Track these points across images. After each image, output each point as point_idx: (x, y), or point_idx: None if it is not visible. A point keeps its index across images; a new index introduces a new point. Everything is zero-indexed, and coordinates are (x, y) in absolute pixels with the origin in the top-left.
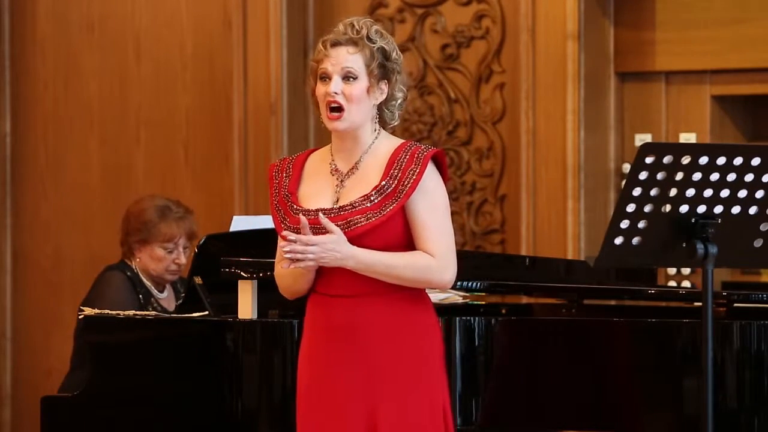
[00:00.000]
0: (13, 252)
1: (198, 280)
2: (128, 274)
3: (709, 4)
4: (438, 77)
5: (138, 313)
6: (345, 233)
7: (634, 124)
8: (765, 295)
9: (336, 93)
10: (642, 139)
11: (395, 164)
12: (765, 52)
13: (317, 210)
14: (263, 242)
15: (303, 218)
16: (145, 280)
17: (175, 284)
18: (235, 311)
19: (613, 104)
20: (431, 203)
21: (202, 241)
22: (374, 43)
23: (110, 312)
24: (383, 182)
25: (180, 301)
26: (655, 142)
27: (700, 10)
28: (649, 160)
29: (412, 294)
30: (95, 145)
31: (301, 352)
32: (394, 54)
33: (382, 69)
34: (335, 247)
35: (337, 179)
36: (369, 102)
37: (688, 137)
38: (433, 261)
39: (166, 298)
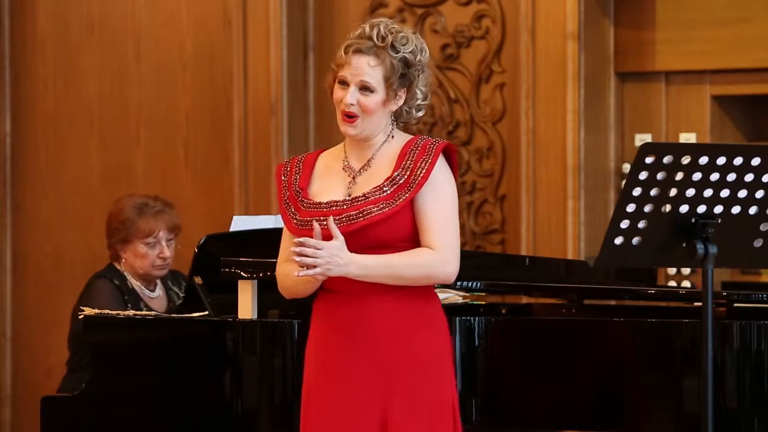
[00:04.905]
0: (13, 252)
1: (198, 280)
2: (115, 282)
3: (709, 4)
4: (438, 77)
5: (138, 313)
6: (358, 222)
7: (634, 124)
8: (765, 295)
9: (351, 104)
10: (642, 139)
11: (407, 156)
12: (765, 52)
13: (329, 202)
14: (263, 242)
15: (317, 226)
16: (133, 282)
17: (166, 282)
18: (235, 311)
19: (613, 104)
20: (438, 196)
21: (202, 241)
22: (397, 53)
23: (110, 312)
24: (395, 173)
25: (180, 301)
26: (655, 142)
27: (700, 10)
28: (649, 160)
29: (420, 290)
30: (95, 145)
31: (308, 349)
32: (417, 58)
33: (402, 78)
34: (339, 253)
35: (350, 176)
36: (384, 112)
37: (688, 137)
38: (434, 255)
39: (157, 298)
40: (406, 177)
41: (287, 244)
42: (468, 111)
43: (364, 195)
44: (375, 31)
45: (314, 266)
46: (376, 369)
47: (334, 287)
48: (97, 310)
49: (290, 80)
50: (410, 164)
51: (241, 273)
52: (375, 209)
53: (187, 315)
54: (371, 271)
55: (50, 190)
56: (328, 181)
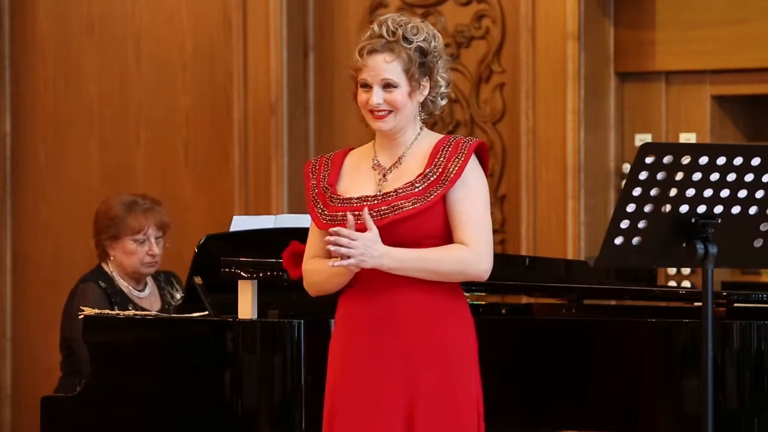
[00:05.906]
0: (13, 252)
1: (198, 280)
2: (101, 284)
3: (709, 4)
4: None
5: (138, 313)
6: (390, 217)
7: (634, 124)
8: (765, 295)
9: (378, 104)
10: (642, 139)
11: (439, 153)
12: (765, 52)
13: (360, 198)
14: (263, 242)
15: (350, 217)
16: (121, 283)
17: (159, 280)
18: (235, 311)
19: (613, 104)
20: (470, 194)
21: (202, 241)
22: (411, 44)
23: (110, 312)
24: (427, 170)
25: (179, 301)
26: (655, 142)
27: (700, 10)
28: (649, 160)
29: (448, 287)
30: (95, 145)
31: (333, 343)
32: (432, 45)
33: (422, 68)
34: (373, 245)
35: (380, 173)
36: (413, 104)
37: (688, 137)
38: (468, 252)
39: (147, 297)
40: (438, 174)
41: (314, 240)
42: (468, 111)
43: (395, 191)
44: (384, 28)
45: (348, 257)
46: (402, 363)
47: (362, 281)
48: (97, 311)
49: (290, 80)
50: (443, 161)
51: (241, 273)
52: (407, 204)
53: (187, 315)
54: (405, 264)
55: (50, 190)
56: (358, 179)
